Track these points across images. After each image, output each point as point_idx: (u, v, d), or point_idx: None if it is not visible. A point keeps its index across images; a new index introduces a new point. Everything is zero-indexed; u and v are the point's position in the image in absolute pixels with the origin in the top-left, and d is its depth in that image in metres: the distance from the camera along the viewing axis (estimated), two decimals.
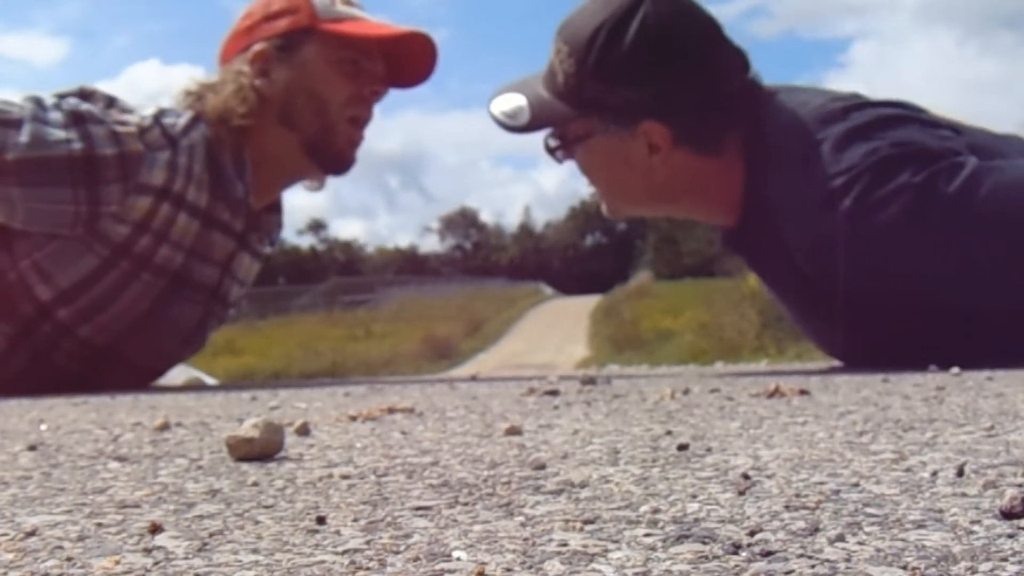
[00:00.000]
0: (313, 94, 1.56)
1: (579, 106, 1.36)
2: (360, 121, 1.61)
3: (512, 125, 1.43)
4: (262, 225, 1.65)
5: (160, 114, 1.49)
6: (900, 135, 1.28)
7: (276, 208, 1.70)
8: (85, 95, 1.48)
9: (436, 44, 1.61)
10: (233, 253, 1.60)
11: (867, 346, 1.39)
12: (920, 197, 1.22)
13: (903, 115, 1.34)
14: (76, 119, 1.40)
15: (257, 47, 1.56)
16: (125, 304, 1.51)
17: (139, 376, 1.60)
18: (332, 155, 1.60)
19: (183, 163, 1.48)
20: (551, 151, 1.46)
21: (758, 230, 1.40)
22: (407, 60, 1.62)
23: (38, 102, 1.41)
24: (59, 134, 1.38)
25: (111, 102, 1.48)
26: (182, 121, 1.50)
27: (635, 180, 1.41)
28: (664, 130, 1.35)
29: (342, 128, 1.58)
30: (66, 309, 1.48)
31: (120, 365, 1.55)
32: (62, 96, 1.46)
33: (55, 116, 1.40)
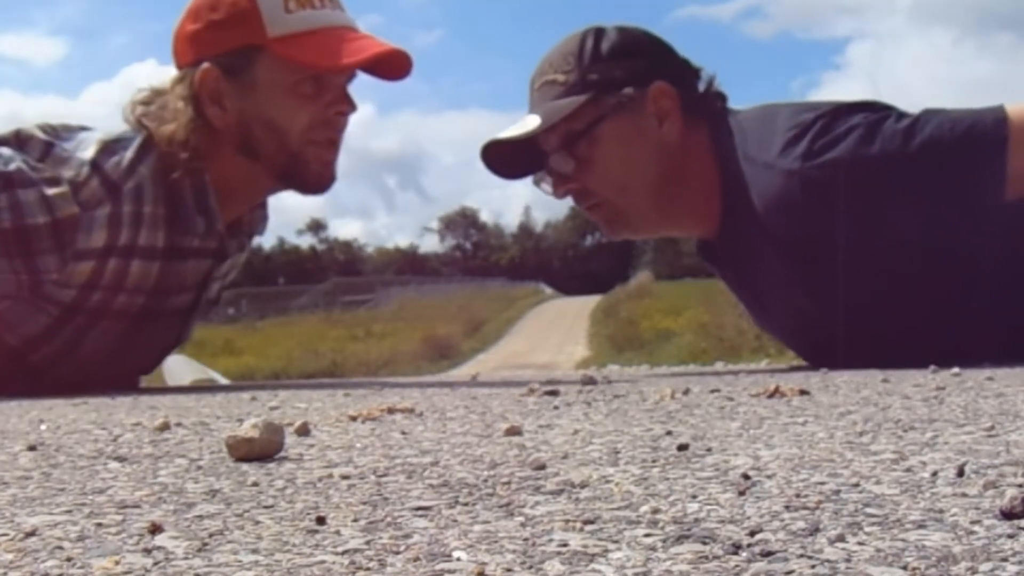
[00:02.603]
0: (270, 125, 1.43)
1: (587, 89, 1.42)
2: (330, 142, 1.48)
3: (520, 135, 1.44)
4: (243, 228, 1.57)
5: (103, 150, 1.38)
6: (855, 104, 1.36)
7: (259, 204, 1.60)
8: (21, 141, 1.38)
9: (410, 56, 1.46)
10: (210, 270, 1.53)
11: (862, 324, 1.39)
12: (869, 131, 1.29)
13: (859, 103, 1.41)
14: (6, 183, 1.31)
15: (204, 66, 1.42)
16: (90, 349, 1.47)
17: (127, 381, 1.59)
18: (307, 180, 1.49)
19: (128, 211, 1.38)
20: (554, 175, 1.47)
21: (739, 224, 1.42)
22: (380, 63, 1.46)
23: None
24: None
25: (48, 149, 1.37)
26: (128, 155, 1.39)
27: (649, 156, 1.44)
28: (672, 90, 1.44)
29: (310, 152, 1.45)
30: (35, 355, 1.46)
31: (105, 382, 1.53)
32: None
33: None
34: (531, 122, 1.44)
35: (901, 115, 1.31)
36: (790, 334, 1.59)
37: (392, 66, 1.47)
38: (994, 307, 1.36)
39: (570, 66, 1.43)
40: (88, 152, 1.38)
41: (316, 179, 1.49)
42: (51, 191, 1.33)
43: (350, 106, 1.47)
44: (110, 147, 1.39)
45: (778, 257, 1.40)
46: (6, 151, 1.35)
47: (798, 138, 1.31)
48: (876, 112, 1.31)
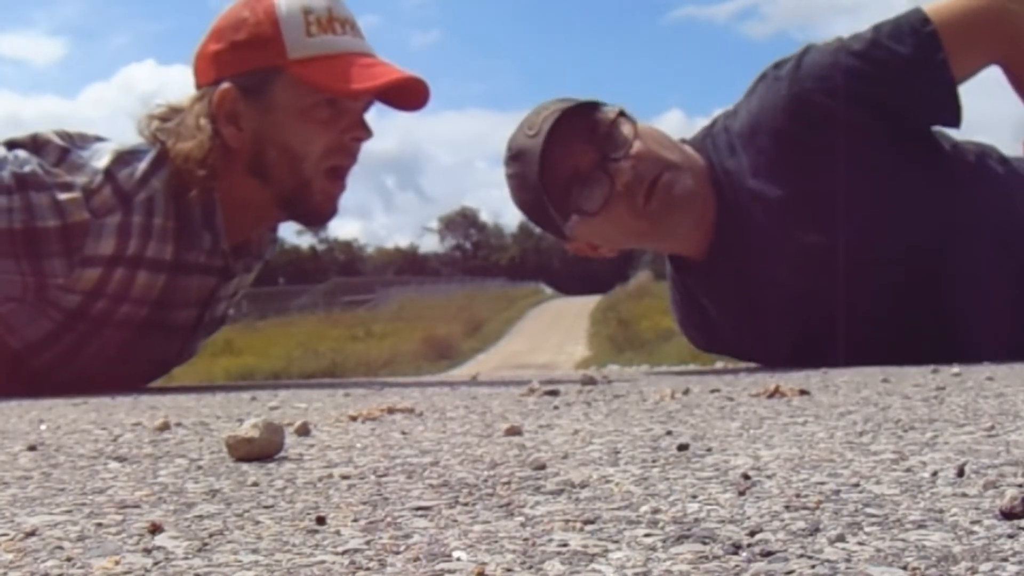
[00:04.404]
0: (285, 148, 1.43)
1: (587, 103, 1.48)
2: (341, 171, 1.47)
3: (571, 105, 1.44)
4: (251, 250, 1.57)
5: (117, 160, 1.39)
6: None
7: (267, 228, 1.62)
8: (38, 145, 1.39)
9: (427, 85, 1.45)
10: (214, 288, 1.53)
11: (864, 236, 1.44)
12: (812, 47, 1.45)
13: None
14: (20, 184, 1.32)
15: (224, 86, 1.42)
16: (90, 356, 1.47)
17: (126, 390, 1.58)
18: (307, 212, 1.48)
19: (138, 222, 1.39)
20: (609, 165, 1.43)
21: (732, 204, 1.47)
22: (397, 90, 1.46)
23: None
24: (1, 202, 1.31)
25: (63, 155, 1.38)
26: (142, 167, 1.40)
27: (677, 145, 1.50)
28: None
29: (318, 183, 1.45)
30: (36, 360, 1.46)
31: (105, 390, 1.53)
32: (12, 145, 1.38)
33: (2, 176, 1.32)
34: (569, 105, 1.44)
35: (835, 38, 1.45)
36: (792, 320, 1.58)
37: (409, 95, 1.47)
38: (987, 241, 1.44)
39: (560, 101, 1.46)
40: (102, 161, 1.38)
41: (318, 210, 1.48)
42: (63, 196, 1.33)
43: (366, 132, 1.46)
44: (124, 158, 1.40)
45: (772, 195, 1.44)
46: (22, 154, 1.36)
47: (763, 74, 1.46)
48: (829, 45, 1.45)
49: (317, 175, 1.44)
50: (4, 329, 1.43)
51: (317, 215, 1.50)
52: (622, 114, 1.44)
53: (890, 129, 1.42)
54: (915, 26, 1.38)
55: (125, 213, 1.38)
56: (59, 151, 1.39)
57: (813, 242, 1.44)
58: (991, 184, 1.46)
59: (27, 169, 1.33)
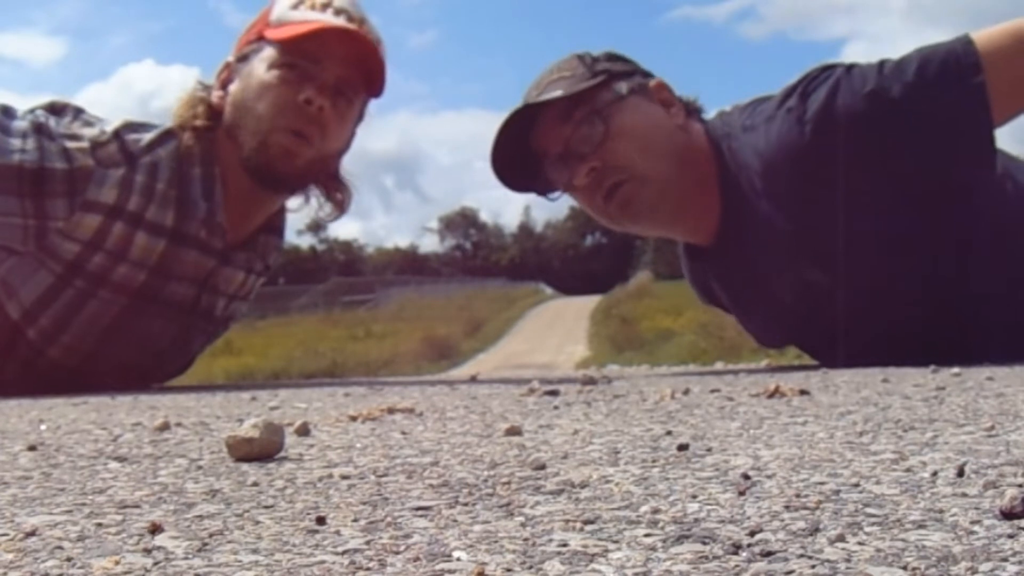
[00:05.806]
0: (248, 107, 1.48)
1: (597, 75, 1.48)
2: (300, 132, 1.47)
3: (542, 100, 1.45)
4: (257, 247, 1.60)
5: (125, 128, 1.46)
6: None
7: (275, 230, 1.64)
8: (56, 109, 1.48)
9: (368, 38, 1.50)
10: (213, 270, 1.55)
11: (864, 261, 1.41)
12: (846, 77, 1.36)
13: None
14: (36, 130, 1.41)
15: (226, 60, 1.55)
16: (85, 321, 1.49)
17: (123, 378, 1.59)
18: (267, 168, 1.48)
19: (141, 181, 1.45)
20: (573, 157, 1.45)
21: (739, 214, 1.46)
22: (371, 69, 1.51)
23: (6, 111, 1.43)
24: (15, 143, 1.38)
25: (77, 114, 1.47)
26: (148, 136, 1.47)
27: (666, 133, 1.48)
28: (669, 86, 1.52)
29: (274, 138, 1.46)
30: (33, 328, 1.48)
31: (101, 375, 1.54)
32: (32, 110, 1.46)
33: (18, 125, 1.40)
34: (552, 94, 1.45)
35: (876, 63, 1.37)
36: (792, 326, 1.59)
37: (366, 77, 1.53)
38: (994, 265, 1.41)
39: (576, 66, 1.49)
40: (112, 125, 1.47)
41: (276, 166, 1.48)
42: (72, 144, 1.42)
43: (321, 94, 1.46)
44: (133, 127, 1.49)
45: (780, 225, 1.42)
46: (39, 112, 1.46)
47: (790, 92, 1.39)
48: (848, 68, 1.38)
49: (274, 131, 1.47)
50: (5, 295, 1.47)
51: (277, 172, 1.50)
52: (616, 100, 1.45)
53: (911, 174, 1.35)
54: (965, 74, 1.30)
55: (129, 170, 1.45)
56: (74, 111, 1.49)
57: (814, 279, 1.44)
58: (1012, 201, 1.42)
59: (41, 120, 1.43)
